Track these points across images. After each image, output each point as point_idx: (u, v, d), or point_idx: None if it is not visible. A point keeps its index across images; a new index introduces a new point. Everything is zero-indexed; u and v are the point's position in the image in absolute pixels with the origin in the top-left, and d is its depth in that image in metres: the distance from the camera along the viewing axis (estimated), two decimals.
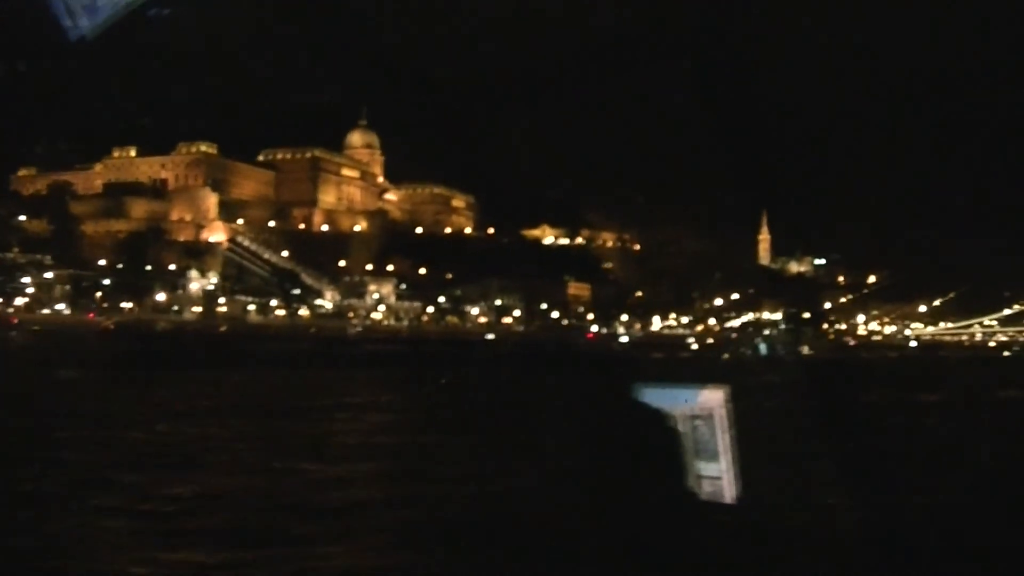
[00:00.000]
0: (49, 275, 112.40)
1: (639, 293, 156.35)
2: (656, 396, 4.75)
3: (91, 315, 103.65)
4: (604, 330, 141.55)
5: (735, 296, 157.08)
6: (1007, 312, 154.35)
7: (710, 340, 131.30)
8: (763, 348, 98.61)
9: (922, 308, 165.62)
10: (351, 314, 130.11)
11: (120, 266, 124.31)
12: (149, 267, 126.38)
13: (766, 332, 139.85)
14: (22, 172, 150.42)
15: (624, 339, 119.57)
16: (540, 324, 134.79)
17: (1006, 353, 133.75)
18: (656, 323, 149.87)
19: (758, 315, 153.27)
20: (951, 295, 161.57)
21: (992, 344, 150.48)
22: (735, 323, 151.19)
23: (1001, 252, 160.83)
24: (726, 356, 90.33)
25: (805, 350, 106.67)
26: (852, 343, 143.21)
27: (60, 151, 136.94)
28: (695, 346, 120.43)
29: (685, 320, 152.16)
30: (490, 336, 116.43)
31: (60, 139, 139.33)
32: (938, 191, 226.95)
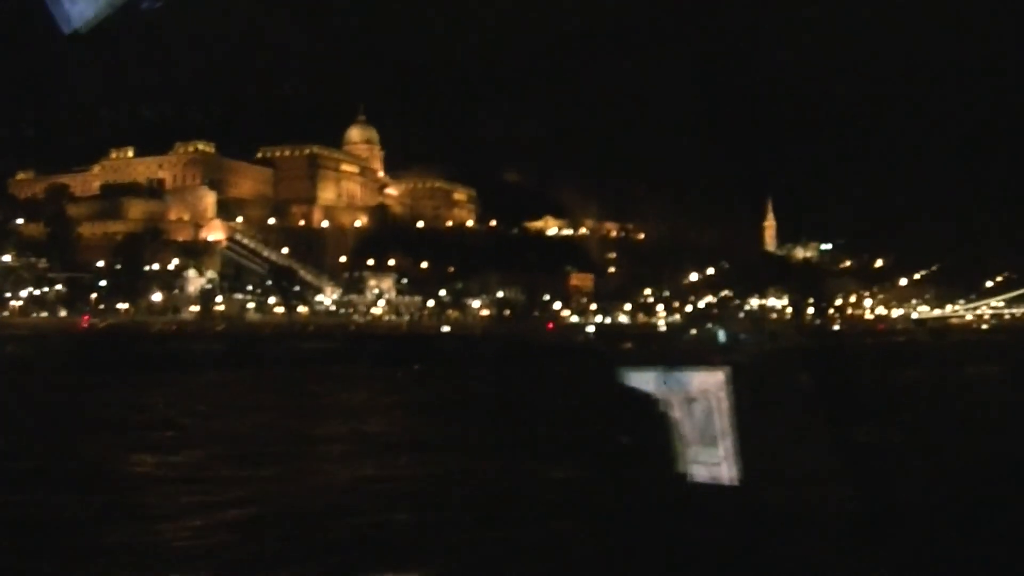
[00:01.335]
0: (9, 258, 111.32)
1: (612, 269, 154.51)
2: (649, 380, 4.58)
3: (85, 317, 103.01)
4: (608, 320, 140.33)
5: (710, 271, 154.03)
6: (988, 285, 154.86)
7: (676, 317, 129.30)
8: (721, 335, 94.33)
9: (903, 282, 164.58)
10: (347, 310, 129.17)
11: (118, 267, 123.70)
12: (147, 268, 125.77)
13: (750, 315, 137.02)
14: (20, 176, 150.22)
15: (591, 329, 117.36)
16: (498, 316, 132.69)
17: (984, 327, 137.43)
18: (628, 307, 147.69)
19: (727, 293, 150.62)
20: (933, 268, 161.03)
21: (969, 318, 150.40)
22: (701, 303, 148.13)
23: (1010, 233, 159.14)
24: (693, 332, 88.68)
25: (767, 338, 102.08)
26: (836, 328, 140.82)
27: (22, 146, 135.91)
28: (663, 326, 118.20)
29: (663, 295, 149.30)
30: (446, 329, 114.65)
31: (51, 140, 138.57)
32: (945, 175, 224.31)
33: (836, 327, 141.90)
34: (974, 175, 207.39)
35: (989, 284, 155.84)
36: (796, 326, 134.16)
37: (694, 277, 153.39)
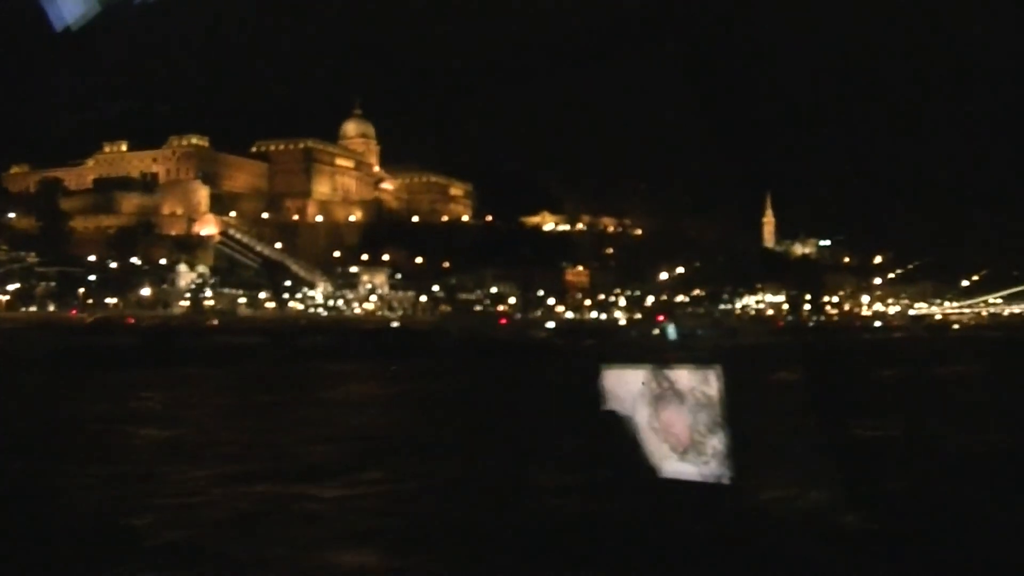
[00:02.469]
0: None
1: (586, 268, 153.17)
2: (638, 377, 4.58)
3: (73, 311, 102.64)
4: (602, 315, 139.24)
5: (680, 270, 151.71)
6: (965, 284, 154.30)
7: (637, 316, 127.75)
8: (671, 331, 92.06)
9: (877, 281, 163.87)
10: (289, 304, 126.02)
11: (109, 262, 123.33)
12: (139, 262, 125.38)
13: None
14: (14, 169, 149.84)
15: (550, 324, 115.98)
16: (449, 309, 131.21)
17: (955, 326, 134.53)
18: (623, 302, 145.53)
19: (698, 292, 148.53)
20: (909, 267, 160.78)
21: (939, 317, 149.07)
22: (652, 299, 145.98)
23: (1008, 230, 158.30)
24: (656, 332, 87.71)
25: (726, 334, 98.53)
26: (811, 324, 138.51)
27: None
28: (623, 322, 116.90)
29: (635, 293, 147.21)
30: (395, 324, 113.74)
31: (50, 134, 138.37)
32: (945, 170, 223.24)
33: (810, 324, 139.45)
34: (966, 171, 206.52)
35: (965, 283, 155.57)
36: (767, 322, 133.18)
37: (665, 276, 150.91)
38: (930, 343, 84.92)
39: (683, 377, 4.51)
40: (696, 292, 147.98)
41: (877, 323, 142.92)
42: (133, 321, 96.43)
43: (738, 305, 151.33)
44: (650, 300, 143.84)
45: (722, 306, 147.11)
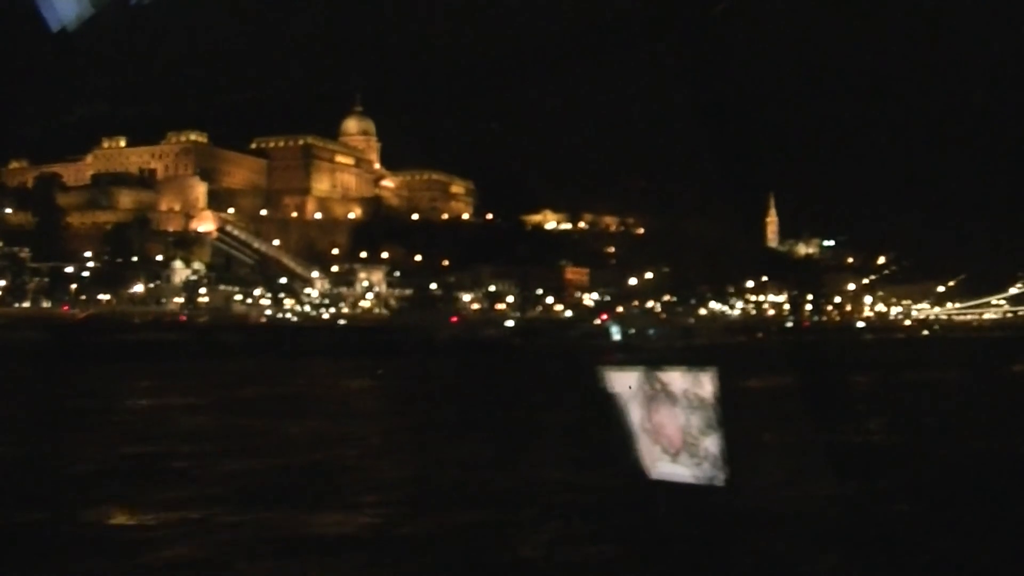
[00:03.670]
0: None
1: (585, 266, 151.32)
2: (631, 379, 4.64)
3: (65, 307, 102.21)
4: (577, 314, 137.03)
5: (649, 276, 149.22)
6: (947, 286, 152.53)
7: (600, 320, 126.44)
8: (615, 331, 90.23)
9: (851, 286, 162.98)
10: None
11: (106, 258, 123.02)
12: (135, 258, 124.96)
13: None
14: (13, 164, 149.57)
15: (510, 323, 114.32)
16: (398, 306, 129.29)
17: (925, 332, 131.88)
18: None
19: (669, 298, 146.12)
20: (885, 272, 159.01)
21: (908, 323, 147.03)
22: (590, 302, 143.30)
23: (1011, 232, 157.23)
24: (617, 338, 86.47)
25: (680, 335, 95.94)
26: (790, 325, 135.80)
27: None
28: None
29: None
30: (342, 321, 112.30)
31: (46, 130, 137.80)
32: (946, 173, 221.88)
33: (789, 324, 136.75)
34: (971, 171, 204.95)
35: (941, 289, 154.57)
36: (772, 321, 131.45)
37: (634, 281, 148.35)
38: (923, 344, 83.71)
39: (676, 379, 4.53)
40: (667, 297, 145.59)
41: (860, 324, 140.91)
42: (185, 319, 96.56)
43: (739, 305, 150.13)
44: (592, 299, 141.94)
45: (706, 309, 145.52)
